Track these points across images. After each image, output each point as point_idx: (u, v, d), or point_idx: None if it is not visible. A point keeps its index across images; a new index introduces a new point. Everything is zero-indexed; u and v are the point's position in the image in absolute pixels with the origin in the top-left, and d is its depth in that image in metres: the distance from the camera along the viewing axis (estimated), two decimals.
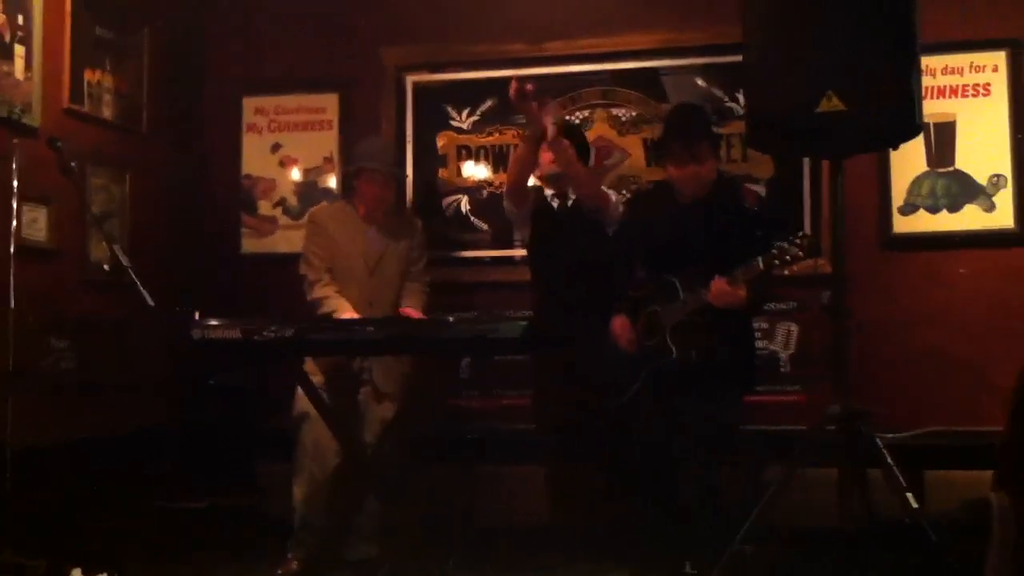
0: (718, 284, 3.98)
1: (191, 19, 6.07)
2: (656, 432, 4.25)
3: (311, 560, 4.71)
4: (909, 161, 5.23)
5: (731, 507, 4.07)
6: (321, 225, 4.97)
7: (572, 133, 4.87)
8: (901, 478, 3.57)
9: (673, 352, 4.18)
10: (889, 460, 3.57)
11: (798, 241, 3.86)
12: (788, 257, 3.87)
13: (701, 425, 4.14)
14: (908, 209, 5.30)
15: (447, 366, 5.58)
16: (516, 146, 5.07)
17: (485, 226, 5.77)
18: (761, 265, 3.92)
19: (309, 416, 4.64)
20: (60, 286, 4.88)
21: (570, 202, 4.78)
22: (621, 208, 4.69)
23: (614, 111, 5.67)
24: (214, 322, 4.02)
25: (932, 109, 5.08)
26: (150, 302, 3.77)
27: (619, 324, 4.38)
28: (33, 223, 4.71)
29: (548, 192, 4.86)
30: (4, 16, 4.61)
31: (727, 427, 4.20)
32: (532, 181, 4.91)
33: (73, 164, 4.06)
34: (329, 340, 4.19)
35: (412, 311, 4.84)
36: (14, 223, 4.20)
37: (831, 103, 3.44)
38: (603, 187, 4.91)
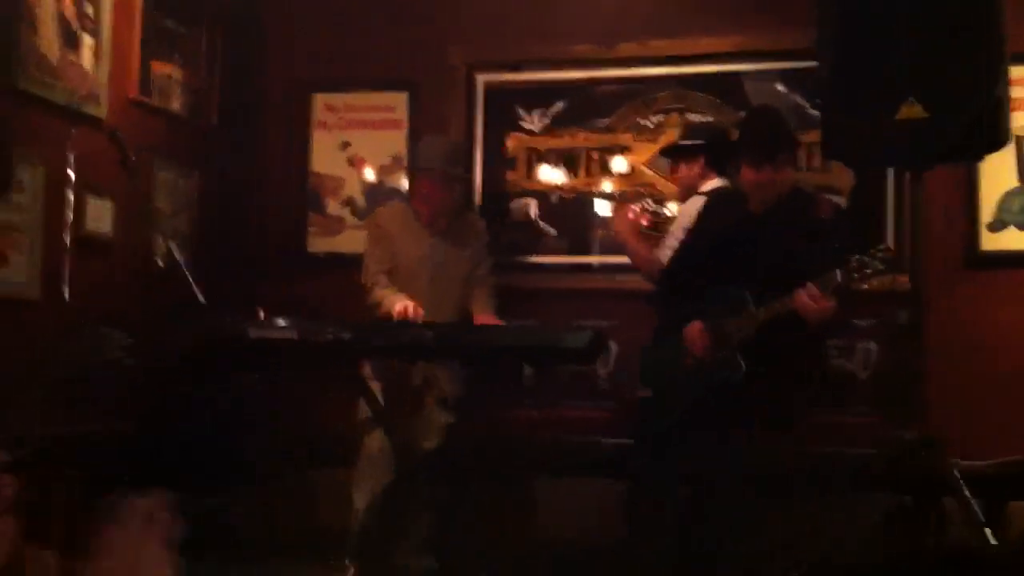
0: (809, 291, 3.73)
1: (263, 13, 6.03)
2: (715, 449, 4.07)
3: (368, 568, 4.61)
4: (1000, 176, 4.98)
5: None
6: (383, 228, 4.90)
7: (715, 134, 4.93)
8: (979, 512, 3.36)
9: (742, 367, 3.98)
10: (967, 493, 3.36)
11: (880, 254, 3.64)
12: (868, 270, 3.64)
13: (763, 443, 3.95)
14: (997, 225, 5.05)
15: (510, 374, 5.47)
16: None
17: (554, 231, 5.63)
18: (839, 277, 3.70)
19: (373, 422, 4.57)
20: (123, 280, 4.84)
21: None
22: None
23: (689, 116, 5.48)
24: (279, 322, 3.97)
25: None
26: (201, 299, 3.71)
27: (696, 330, 4.14)
28: (98, 216, 4.69)
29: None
30: (74, 6, 4.60)
31: (793, 448, 4.00)
32: None
33: (133, 157, 4.00)
34: (388, 345, 4.11)
35: (487, 318, 4.74)
36: (70, 214, 4.12)
37: (912, 110, 3.25)
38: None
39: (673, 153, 4.95)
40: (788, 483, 3.96)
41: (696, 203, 4.61)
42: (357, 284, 4.92)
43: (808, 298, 3.73)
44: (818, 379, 4.18)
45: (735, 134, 4.53)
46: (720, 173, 4.74)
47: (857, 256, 3.65)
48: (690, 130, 5.09)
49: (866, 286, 3.88)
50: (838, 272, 3.68)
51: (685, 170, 4.81)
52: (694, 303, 4.20)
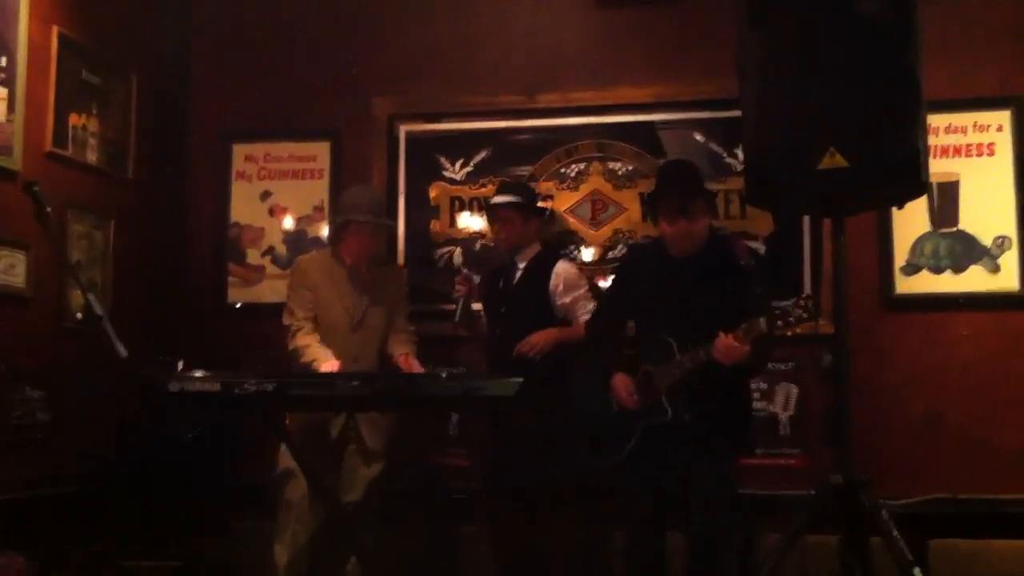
0: (725, 340, 3.82)
1: (180, 64, 5.98)
2: (650, 493, 4.11)
3: None
4: (912, 221, 5.13)
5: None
6: (306, 275, 4.89)
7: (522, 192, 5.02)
8: (907, 551, 3.39)
9: (668, 413, 4.03)
10: (895, 533, 3.39)
11: (802, 303, 3.74)
12: (792, 319, 3.75)
13: (696, 487, 3.98)
14: (910, 269, 5.19)
15: (435, 422, 5.45)
16: None
17: (478, 278, 5.63)
18: (764, 326, 3.78)
19: (294, 474, 4.52)
20: (37, 334, 4.73)
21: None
22: None
23: (610, 164, 5.56)
24: (197, 374, 3.90)
25: (935, 168, 4.88)
26: (122, 354, 3.62)
27: (619, 381, 4.22)
28: (11, 269, 4.59)
29: None
30: None
31: (723, 490, 4.03)
32: None
33: (48, 210, 3.91)
34: (312, 395, 4.05)
35: (410, 361, 4.72)
36: None
37: (833, 160, 3.31)
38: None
39: (493, 209, 5.02)
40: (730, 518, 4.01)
41: (565, 267, 4.86)
42: (278, 334, 4.88)
43: (725, 347, 3.81)
44: (743, 419, 4.24)
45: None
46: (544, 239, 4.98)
47: (782, 305, 3.73)
48: (505, 188, 5.12)
49: (789, 333, 3.98)
50: (762, 320, 3.76)
51: (515, 226, 4.91)
52: (621, 351, 4.27)
